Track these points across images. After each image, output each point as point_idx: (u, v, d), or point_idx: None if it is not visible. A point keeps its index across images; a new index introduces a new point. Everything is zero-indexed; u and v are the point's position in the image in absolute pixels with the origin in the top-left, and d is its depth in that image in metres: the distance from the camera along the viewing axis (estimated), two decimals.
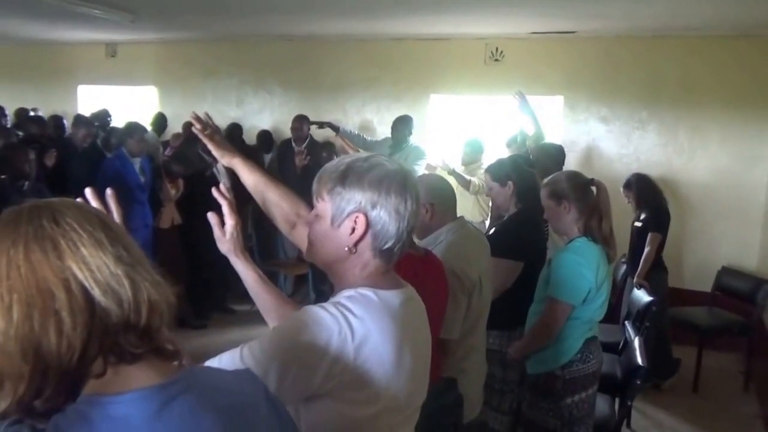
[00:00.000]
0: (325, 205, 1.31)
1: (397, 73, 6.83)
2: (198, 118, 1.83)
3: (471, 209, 5.59)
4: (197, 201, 4.47)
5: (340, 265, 1.33)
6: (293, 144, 6.25)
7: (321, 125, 6.21)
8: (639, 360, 3.08)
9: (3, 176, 3.96)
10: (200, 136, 1.82)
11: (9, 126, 6.71)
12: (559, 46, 6.14)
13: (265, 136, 6.75)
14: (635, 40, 5.90)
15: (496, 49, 6.40)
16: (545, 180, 2.87)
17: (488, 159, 5.66)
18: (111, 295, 0.80)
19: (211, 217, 1.53)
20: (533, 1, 4.49)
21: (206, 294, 5.49)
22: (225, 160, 1.82)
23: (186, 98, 7.86)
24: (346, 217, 1.28)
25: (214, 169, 5.49)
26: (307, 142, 6.21)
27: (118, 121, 7.40)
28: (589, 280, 2.62)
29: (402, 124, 5.61)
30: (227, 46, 7.58)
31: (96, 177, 4.82)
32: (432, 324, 1.47)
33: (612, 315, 3.79)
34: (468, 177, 5.47)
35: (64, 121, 6.96)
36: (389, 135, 5.77)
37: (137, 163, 4.84)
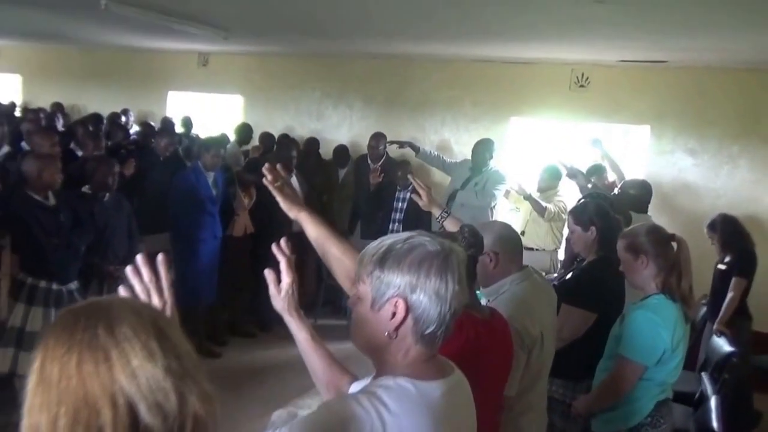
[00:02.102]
0: (365, 288, 1.26)
1: (478, 95, 6.76)
2: (271, 169, 1.82)
3: (544, 236, 5.46)
4: (269, 211, 4.53)
5: (382, 350, 1.27)
6: (369, 161, 6.27)
7: (401, 145, 6.19)
8: (714, 424, 2.90)
9: (86, 187, 4.16)
10: (270, 187, 1.81)
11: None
12: (647, 74, 5.91)
13: (341, 151, 6.81)
14: (728, 72, 5.61)
15: (582, 74, 6.23)
16: (623, 231, 2.75)
17: (565, 186, 5.54)
18: (156, 411, 0.79)
19: (268, 274, 1.52)
20: (623, 31, 4.32)
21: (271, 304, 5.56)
22: (292, 213, 1.81)
23: (269, 108, 8.09)
24: (386, 302, 1.23)
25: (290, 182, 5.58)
26: (383, 160, 6.21)
27: (204, 127, 7.68)
28: (665, 340, 2.48)
29: (483, 147, 5.52)
30: (312, 61, 7.74)
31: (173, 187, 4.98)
32: (494, 387, 1.41)
33: (688, 360, 3.60)
34: (544, 204, 5.34)
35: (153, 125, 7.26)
36: (468, 156, 5.70)
37: (211, 176, 4.95)
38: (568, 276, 3.26)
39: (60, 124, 7.57)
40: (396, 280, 1.22)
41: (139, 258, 1.25)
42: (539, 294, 2.43)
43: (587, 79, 6.22)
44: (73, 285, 3.86)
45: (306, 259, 5.02)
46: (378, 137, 6.22)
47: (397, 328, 1.23)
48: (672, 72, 5.81)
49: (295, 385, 4.12)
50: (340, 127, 7.64)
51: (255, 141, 7.33)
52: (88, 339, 0.80)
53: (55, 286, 3.72)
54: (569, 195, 5.40)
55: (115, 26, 6.12)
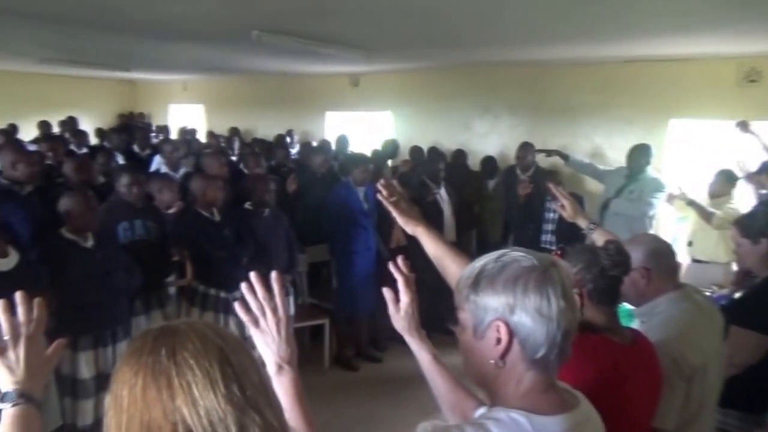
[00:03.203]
0: (465, 316, 1.18)
1: (632, 97, 6.37)
2: (387, 185, 1.81)
3: (714, 247, 4.97)
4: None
5: (492, 381, 1.17)
6: (517, 171, 6.13)
7: (549, 153, 5.99)
8: None
9: (248, 204, 4.48)
10: (385, 203, 1.80)
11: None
12: None
13: (489, 162, 6.72)
14: None
15: (752, 68, 5.61)
16: None
17: (740, 193, 5.02)
18: None
19: (387, 292, 1.49)
20: None
21: (422, 314, 5.60)
22: (409, 227, 1.78)
23: (418, 122, 8.22)
24: (487, 327, 1.13)
25: (437, 196, 5.60)
26: (532, 170, 6.04)
27: (358, 144, 7.99)
28: None
29: (639, 153, 5.17)
30: (457, 73, 7.75)
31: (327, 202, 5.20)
32: (640, 420, 1.33)
33: None
34: (710, 209, 4.86)
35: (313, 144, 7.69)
36: (622, 163, 5.37)
37: (361, 191, 5.12)
38: (739, 294, 2.92)
39: (236, 147, 8.28)
40: (492, 303, 1.13)
41: (253, 276, 1.26)
42: (701, 317, 2.16)
43: (759, 73, 5.59)
44: (239, 293, 4.16)
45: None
46: (525, 147, 6.06)
47: (503, 355, 1.13)
48: None
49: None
50: (488, 138, 7.56)
51: (405, 155, 7.50)
52: (152, 363, 0.80)
53: (222, 294, 4.08)
54: (744, 202, 4.88)
55: (270, 55, 6.58)
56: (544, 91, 7.01)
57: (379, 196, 1.81)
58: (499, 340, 1.12)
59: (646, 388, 1.72)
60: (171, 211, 4.38)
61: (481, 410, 1.32)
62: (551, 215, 5.53)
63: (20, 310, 1.15)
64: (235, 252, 4.14)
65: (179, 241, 4.10)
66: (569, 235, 5.02)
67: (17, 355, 1.13)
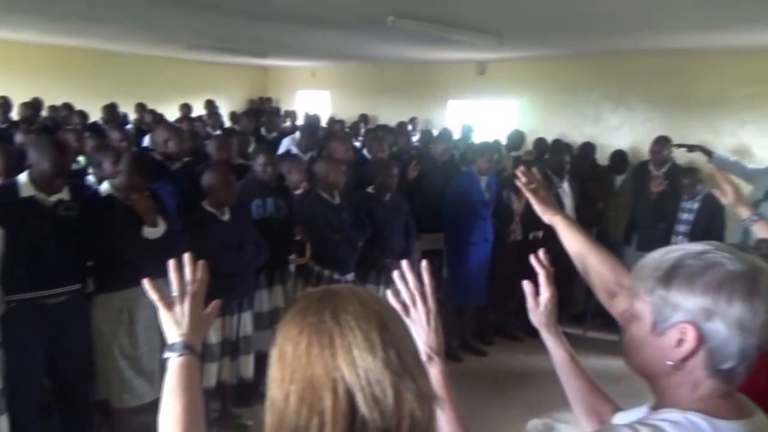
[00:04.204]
0: (643, 307, 1.08)
1: None
2: (526, 172, 1.76)
3: None
4: (538, 217, 4.46)
5: (662, 379, 1.09)
6: (650, 167, 5.80)
7: (690, 149, 5.61)
8: None
9: (370, 188, 4.57)
10: (523, 189, 1.76)
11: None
12: None
13: (619, 156, 6.40)
14: None
15: None
16: None
17: None
18: (373, 404, 0.79)
19: (527, 286, 1.45)
20: None
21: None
22: (546, 216, 1.72)
23: (545, 113, 8.01)
24: (671, 327, 1.04)
25: (559, 190, 5.44)
26: (667, 166, 5.69)
27: (481, 134, 7.91)
28: None
29: None
30: (589, 62, 7.46)
31: (448, 190, 5.21)
32: None
33: None
34: None
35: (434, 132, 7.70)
36: None
37: (484, 180, 5.07)
38: None
39: (362, 133, 8.47)
40: (686, 304, 1.02)
41: (405, 265, 1.27)
42: None
43: None
44: (350, 276, 4.29)
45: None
46: (662, 141, 5.71)
47: (684, 359, 1.04)
48: None
49: (555, 396, 4.01)
50: (619, 131, 7.23)
51: (528, 146, 7.33)
52: (316, 323, 0.84)
53: (336, 276, 4.20)
54: None
55: (400, 41, 6.66)
56: (685, 81, 6.59)
57: (517, 183, 1.77)
58: (680, 342, 1.03)
59: None
60: (298, 192, 4.55)
61: (620, 416, 1.25)
62: (686, 215, 5.20)
63: (187, 270, 1.24)
64: (351, 235, 4.24)
65: (301, 221, 4.25)
66: (705, 236, 4.71)
67: (183, 310, 1.22)
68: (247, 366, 3.85)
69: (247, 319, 3.82)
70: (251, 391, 4.05)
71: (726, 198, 2.41)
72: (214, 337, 3.60)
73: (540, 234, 5.18)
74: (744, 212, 2.39)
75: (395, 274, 1.27)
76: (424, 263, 1.28)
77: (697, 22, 4.72)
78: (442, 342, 1.27)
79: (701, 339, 1.01)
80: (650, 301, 1.06)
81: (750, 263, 1.02)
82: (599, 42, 6.17)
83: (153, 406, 3.29)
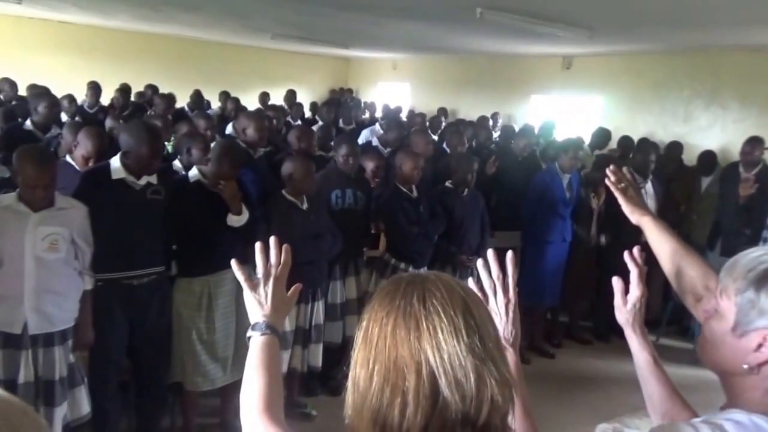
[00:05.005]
0: (729, 306, 1.06)
1: None
2: (616, 171, 1.70)
3: None
4: (615, 216, 4.32)
5: (736, 379, 1.08)
6: (741, 169, 5.49)
7: None
8: None
9: (448, 183, 4.54)
10: (612, 189, 1.70)
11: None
12: None
13: (707, 157, 6.10)
14: None
15: None
16: None
17: None
18: (456, 387, 0.81)
19: (616, 282, 1.41)
20: None
21: (610, 313, 5.31)
22: (634, 217, 1.66)
23: (632, 110, 7.75)
24: (754, 331, 1.02)
25: (642, 190, 5.25)
26: (759, 168, 5.37)
27: (565, 130, 7.72)
28: None
29: None
30: (681, 57, 7.15)
31: (528, 187, 5.12)
32: None
33: None
34: None
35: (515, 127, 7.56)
36: None
37: (566, 178, 4.95)
38: None
39: (442, 126, 8.41)
40: None
41: (490, 253, 1.28)
42: None
43: None
44: (424, 270, 4.26)
45: (653, 271, 4.69)
46: (754, 142, 5.38)
47: (761, 365, 1.02)
48: None
49: (622, 400, 3.96)
50: (710, 131, 6.89)
51: (613, 145, 7.08)
52: (404, 306, 0.85)
53: (411, 269, 4.19)
54: None
55: (486, 34, 6.59)
56: None
57: (607, 182, 1.71)
58: (760, 347, 1.02)
59: None
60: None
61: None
62: None
63: (272, 253, 1.27)
64: (427, 229, 4.23)
65: (378, 213, 4.27)
66: None
67: (267, 291, 1.25)
68: (317, 355, 3.89)
69: (320, 308, 3.86)
70: (317, 382, 4.12)
71: None
72: (288, 324, 3.64)
73: (607, 238, 5.10)
74: None
75: (479, 263, 1.28)
76: (509, 254, 1.28)
77: None
78: (518, 334, 1.28)
79: None
80: (737, 301, 1.04)
81: None
82: (692, 36, 5.91)
83: (220, 391, 3.44)
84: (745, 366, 1.03)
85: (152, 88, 8.57)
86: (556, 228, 4.95)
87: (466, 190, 4.52)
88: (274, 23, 7.80)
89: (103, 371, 3.08)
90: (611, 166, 1.73)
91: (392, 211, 4.20)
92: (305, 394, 4.07)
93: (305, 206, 3.70)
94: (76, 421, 2.93)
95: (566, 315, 5.58)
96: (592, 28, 5.71)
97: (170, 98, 7.55)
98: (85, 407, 2.95)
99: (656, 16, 5.05)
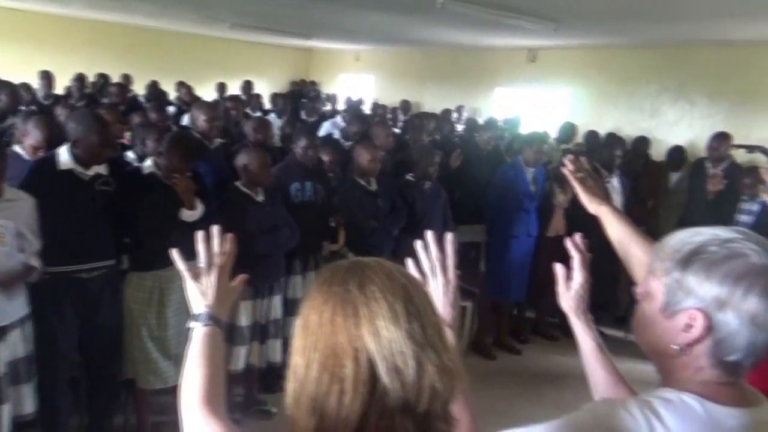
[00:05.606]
0: (658, 286, 1.05)
1: None
2: (574, 160, 1.71)
3: None
4: (582, 210, 4.24)
5: (668, 360, 1.07)
6: (708, 164, 5.48)
7: (750, 149, 5.30)
8: None
9: (410, 175, 4.41)
10: (570, 178, 1.69)
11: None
12: None
13: (676, 152, 6.10)
14: None
15: None
16: None
17: None
18: (395, 374, 0.80)
19: (558, 268, 1.40)
20: None
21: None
22: (592, 207, 1.65)
23: (598, 104, 7.77)
24: (681, 311, 1.01)
25: (610, 185, 5.19)
26: (727, 164, 5.37)
27: (530, 123, 7.67)
28: None
29: None
30: (649, 52, 7.17)
31: (492, 181, 5.01)
32: None
33: None
34: None
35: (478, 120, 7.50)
36: None
37: (530, 172, 4.87)
38: None
39: (401, 118, 8.31)
40: (700, 291, 0.99)
41: (429, 235, 1.27)
42: None
43: None
44: None
45: (622, 267, 4.64)
46: (720, 138, 5.39)
47: (690, 345, 1.02)
48: None
49: (589, 396, 3.85)
50: (678, 126, 6.92)
51: (580, 140, 7.08)
52: (341, 292, 0.84)
53: None
54: None
55: (449, 25, 6.49)
56: (754, 76, 6.25)
57: (564, 171, 1.71)
58: (688, 327, 1.01)
59: None
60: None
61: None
62: (744, 218, 4.87)
63: (215, 242, 1.25)
64: (386, 223, 4.14)
65: (336, 207, 4.17)
66: None
67: (210, 281, 1.23)
68: (275, 350, 3.83)
69: (277, 302, 3.80)
70: (277, 378, 3.98)
71: None
72: (244, 320, 3.58)
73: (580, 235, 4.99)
74: None
75: (418, 244, 1.28)
76: (449, 236, 1.28)
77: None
78: (456, 316, 1.28)
79: (710, 328, 0.99)
80: (665, 282, 1.04)
81: None
82: (660, 31, 5.90)
83: (173, 389, 3.29)
84: (675, 346, 1.03)
85: (104, 78, 8.27)
86: (520, 222, 4.86)
87: (428, 183, 4.42)
88: (233, 13, 7.57)
89: (53, 367, 3.01)
90: (569, 156, 1.75)
91: (349, 205, 4.10)
92: (265, 391, 3.99)
93: (261, 198, 3.60)
94: (20, 418, 2.85)
95: (533, 311, 5.50)
96: (557, 20, 5.67)
97: (124, 87, 7.27)
98: (29, 406, 2.86)
99: (623, 9, 5.02)
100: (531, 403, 4.21)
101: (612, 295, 5.39)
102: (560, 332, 5.44)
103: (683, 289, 1.01)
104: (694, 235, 1.04)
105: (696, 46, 6.63)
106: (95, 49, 10.37)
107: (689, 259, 1.01)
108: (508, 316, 5.26)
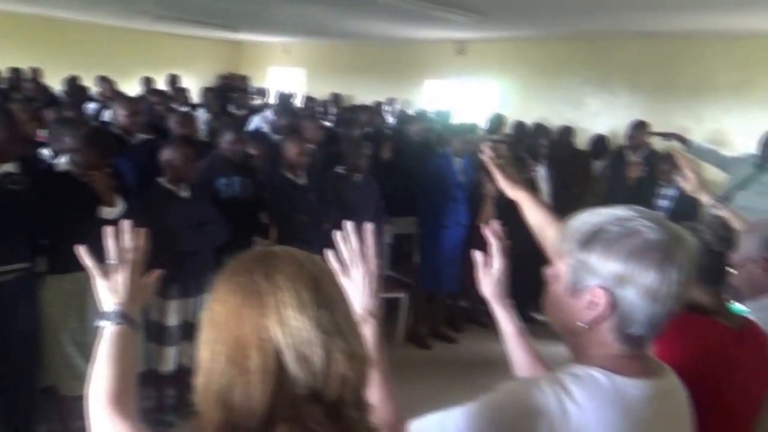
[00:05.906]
0: (563, 268, 1.10)
1: None
2: (494, 147, 1.76)
3: None
4: (512, 201, 4.32)
5: (575, 337, 1.11)
6: (626, 152, 5.70)
7: (666, 137, 5.51)
8: None
9: (341, 168, 4.37)
10: (488, 164, 1.74)
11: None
12: None
13: (599, 141, 6.31)
14: None
15: None
16: None
17: None
18: (302, 363, 0.79)
19: (477, 255, 1.44)
20: None
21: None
22: (510, 192, 1.71)
23: (526, 96, 7.91)
24: (585, 290, 1.06)
25: (535, 174, 5.32)
26: (647, 152, 5.59)
27: (459, 115, 7.76)
28: None
29: None
30: (573, 45, 7.37)
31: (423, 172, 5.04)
32: (744, 414, 1.29)
33: None
34: None
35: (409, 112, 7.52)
36: (753, 150, 4.82)
37: (459, 162, 4.93)
38: None
39: (333, 113, 8.25)
40: (601, 268, 1.03)
41: (349, 225, 1.26)
42: None
43: None
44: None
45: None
46: (639, 126, 5.62)
47: (595, 321, 1.06)
48: None
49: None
50: (600, 116, 7.15)
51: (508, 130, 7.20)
52: (246, 282, 0.83)
53: None
54: None
55: (378, 18, 6.49)
56: (671, 67, 6.52)
57: (483, 157, 1.75)
58: (593, 305, 1.05)
59: (756, 381, 1.56)
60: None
61: None
62: (665, 203, 5.09)
63: (126, 238, 1.22)
64: (316, 217, 4.09)
65: (265, 202, 4.11)
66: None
67: (120, 278, 1.20)
68: None
69: (206, 300, 3.63)
70: None
71: (688, 184, 2.43)
72: (173, 319, 3.47)
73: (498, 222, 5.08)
74: (706, 199, 2.41)
75: (338, 235, 1.27)
76: (368, 225, 1.28)
77: (686, 3, 4.60)
78: (378, 304, 1.27)
79: (613, 304, 1.03)
80: (569, 263, 1.08)
81: (672, 233, 1.03)
82: (583, 22, 6.06)
83: None
84: (582, 324, 1.07)
85: (17, 72, 7.85)
86: (450, 212, 4.88)
87: (359, 175, 4.40)
88: (156, 4, 7.30)
89: None
90: (486, 142, 1.80)
91: (277, 200, 4.03)
92: None
93: (185, 194, 3.48)
94: None
95: (467, 300, 5.57)
96: (484, 12, 5.72)
97: (39, 83, 6.92)
98: None
99: (548, 1, 5.09)
100: (467, 389, 4.20)
101: (540, 280, 5.50)
102: (491, 319, 5.55)
103: (586, 268, 1.05)
104: (593, 217, 1.08)
105: (618, 39, 6.85)
106: (9, 43, 9.82)
107: (590, 240, 1.05)
108: (443, 306, 5.30)
